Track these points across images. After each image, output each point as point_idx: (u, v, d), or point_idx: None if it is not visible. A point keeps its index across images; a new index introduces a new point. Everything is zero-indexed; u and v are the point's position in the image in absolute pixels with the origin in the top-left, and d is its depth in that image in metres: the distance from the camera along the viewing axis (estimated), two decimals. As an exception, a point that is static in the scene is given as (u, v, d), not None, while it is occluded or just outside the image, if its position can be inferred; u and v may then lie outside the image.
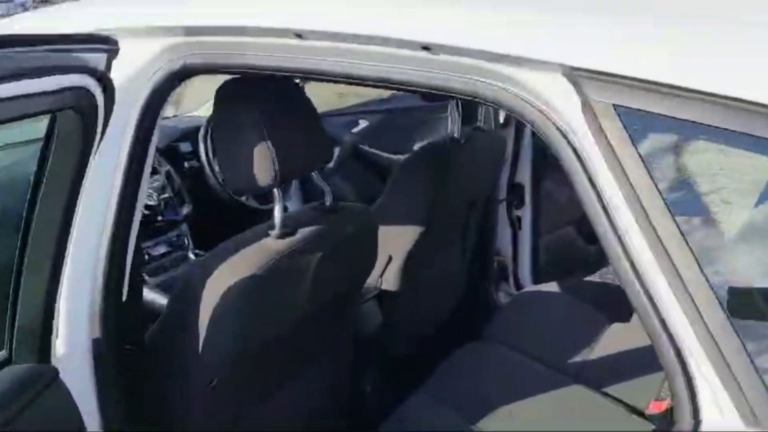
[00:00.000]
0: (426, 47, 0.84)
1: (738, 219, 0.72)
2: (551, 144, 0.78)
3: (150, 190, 2.17)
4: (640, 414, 1.64)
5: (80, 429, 1.02)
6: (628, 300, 2.05)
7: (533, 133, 2.40)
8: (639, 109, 0.69)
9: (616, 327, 1.99)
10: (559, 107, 0.76)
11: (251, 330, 1.29)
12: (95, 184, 1.01)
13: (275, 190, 1.29)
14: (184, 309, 1.22)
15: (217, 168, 2.31)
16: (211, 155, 2.33)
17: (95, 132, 0.93)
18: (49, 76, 0.81)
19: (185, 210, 2.26)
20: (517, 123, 2.38)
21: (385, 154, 3.17)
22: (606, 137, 0.70)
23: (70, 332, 1.04)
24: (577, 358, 1.86)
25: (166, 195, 2.22)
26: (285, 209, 1.32)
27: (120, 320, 1.15)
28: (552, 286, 2.18)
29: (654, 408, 1.67)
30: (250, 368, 1.34)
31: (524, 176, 2.46)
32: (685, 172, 0.71)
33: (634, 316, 2.05)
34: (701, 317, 0.66)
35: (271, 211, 2.59)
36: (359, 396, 1.88)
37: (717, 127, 0.64)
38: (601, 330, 1.97)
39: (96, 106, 0.91)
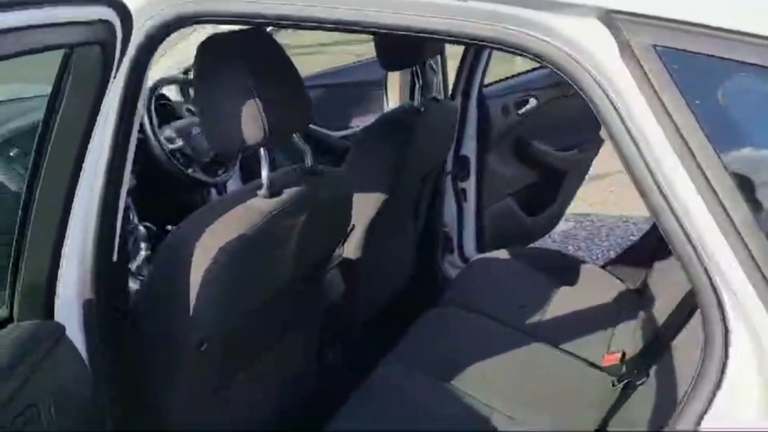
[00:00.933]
0: (461, -6, 0.85)
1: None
2: (584, 91, 0.81)
3: None
4: (597, 366, 1.75)
5: (89, 385, 0.96)
6: (568, 267, 2.13)
7: (479, 105, 2.48)
8: (679, 49, 0.73)
9: (564, 290, 2.10)
10: (595, 52, 0.79)
11: (241, 292, 1.25)
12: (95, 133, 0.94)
13: (261, 150, 1.26)
14: (172, 272, 1.17)
15: (162, 138, 2.20)
16: (156, 125, 2.22)
17: (111, 71, 0.87)
18: (80, 5, 0.74)
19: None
20: (462, 95, 2.44)
21: (322, 130, 3.15)
22: (648, 79, 0.74)
23: (65, 291, 0.97)
24: (533, 319, 1.94)
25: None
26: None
27: (110, 282, 1.08)
28: (502, 254, 2.26)
29: (608, 360, 1.79)
30: (238, 333, 1.30)
31: (469, 148, 2.52)
32: (727, 111, 0.76)
33: (579, 280, 2.19)
34: (741, 238, 0.70)
35: (216, 184, 2.50)
36: (323, 365, 1.88)
37: (756, 65, 0.69)
38: (550, 293, 2.07)
39: (115, 43, 0.85)
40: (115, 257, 1.09)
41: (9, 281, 0.88)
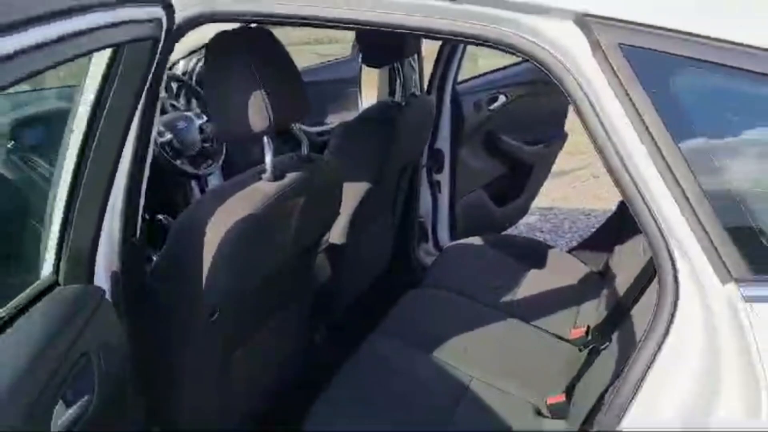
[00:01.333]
0: (450, -4, 0.98)
1: (728, 135, 0.92)
2: (561, 82, 0.96)
3: None
4: (564, 339, 1.92)
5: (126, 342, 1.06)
6: (536, 252, 2.32)
7: (452, 101, 2.62)
8: (640, 47, 0.88)
9: (533, 272, 2.26)
10: (570, 49, 0.94)
11: (248, 267, 1.36)
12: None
13: (265, 137, 1.37)
14: (187, 248, 1.27)
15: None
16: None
17: (154, 63, 0.97)
18: (140, 6, 0.85)
19: None
20: (438, 91, 2.58)
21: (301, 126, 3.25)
22: (614, 72, 0.89)
23: (100, 263, 1.07)
24: (506, 298, 2.10)
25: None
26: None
27: (132, 258, 1.19)
28: (475, 240, 2.41)
29: (575, 333, 1.96)
30: (244, 305, 1.41)
31: (443, 142, 2.66)
32: (681, 105, 0.91)
33: (547, 264, 2.35)
34: (692, 209, 0.85)
35: (200, 177, 2.58)
36: (311, 345, 1.99)
37: (701, 60, 0.85)
38: (521, 275, 2.23)
39: (160, 38, 0.95)
40: (137, 235, 1.20)
41: (56, 251, 0.98)
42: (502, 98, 2.78)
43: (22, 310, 0.90)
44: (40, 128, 1.76)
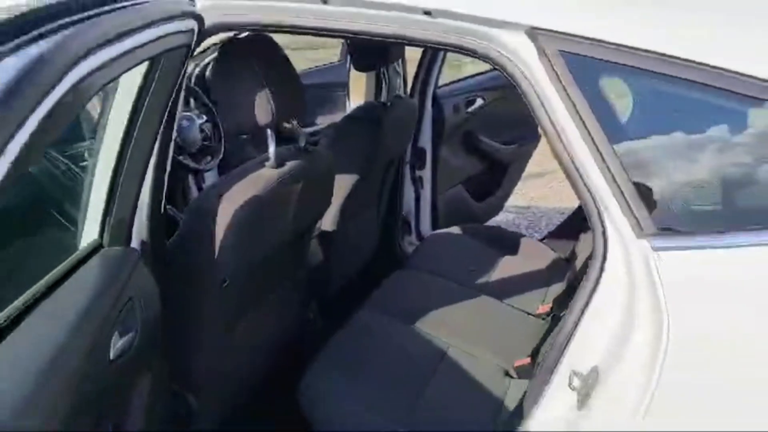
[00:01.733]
0: (427, 12, 1.21)
1: (644, 123, 1.15)
2: (516, 83, 1.18)
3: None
4: (533, 314, 2.15)
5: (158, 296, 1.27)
6: (510, 241, 2.59)
7: (433, 104, 2.86)
8: (578, 54, 1.11)
9: (507, 258, 2.49)
10: (523, 55, 1.16)
11: (254, 242, 1.58)
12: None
13: (268, 130, 1.59)
14: (202, 224, 1.48)
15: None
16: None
17: (185, 66, 1.18)
18: (181, 20, 1.06)
19: None
20: (420, 94, 2.81)
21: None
22: (556, 73, 1.11)
23: (135, 231, 1.28)
24: (481, 280, 2.32)
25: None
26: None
27: (157, 229, 1.40)
28: (454, 230, 2.63)
29: (542, 309, 2.19)
30: (249, 278, 1.62)
31: (425, 141, 2.89)
32: (606, 99, 1.13)
33: (519, 251, 2.57)
34: (615, 182, 1.08)
35: (198, 171, 2.77)
36: (305, 321, 2.21)
37: (623, 64, 1.07)
38: (495, 260, 2.45)
39: (192, 45, 1.16)
40: (162, 210, 1.41)
41: (101, 221, 1.18)
42: (479, 101, 3.02)
43: (76, 266, 1.11)
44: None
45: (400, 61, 2.60)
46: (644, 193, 1.06)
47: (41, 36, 0.76)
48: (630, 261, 1.08)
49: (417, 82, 2.79)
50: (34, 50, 0.75)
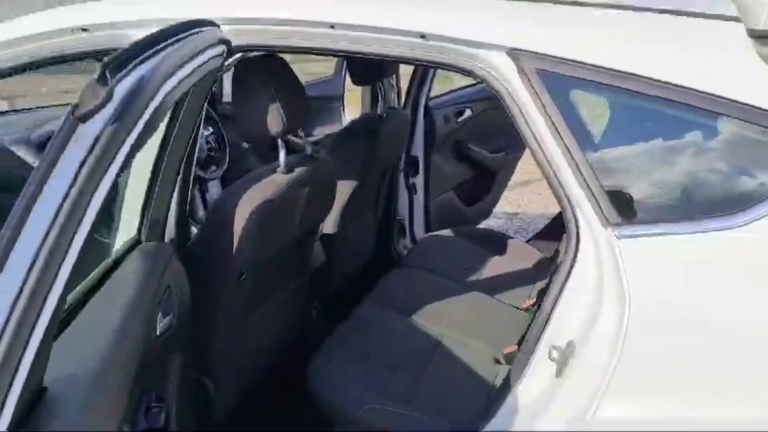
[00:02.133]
0: (422, 35, 1.39)
1: (610, 129, 1.34)
2: (500, 97, 1.36)
3: None
4: (519, 308, 2.33)
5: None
6: (498, 241, 2.80)
7: (425, 115, 3.04)
8: (552, 72, 1.29)
9: (496, 257, 2.67)
10: (505, 73, 1.35)
11: (266, 240, 1.75)
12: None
13: (279, 139, 1.77)
14: (221, 222, 1.66)
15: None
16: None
17: (214, 83, 1.36)
18: (218, 46, 1.24)
19: None
20: (412, 106, 3.00)
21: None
22: (534, 88, 1.30)
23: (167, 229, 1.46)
24: (473, 277, 2.50)
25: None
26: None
27: (182, 227, 1.57)
28: (446, 232, 2.81)
29: (528, 303, 2.36)
30: (262, 273, 1.80)
31: (418, 150, 3.07)
32: (577, 110, 1.31)
33: (507, 251, 2.75)
34: (585, 181, 1.26)
35: (204, 179, 2.93)
36: (308, 319, 2.38)
37: (590, 80, 1.26)
38: (485, 259, 2.63)
39: (222, 66, 1.34)
40: (186, 212, 1.59)
41: (139, 220, 1.36)
42: (468, 112, 3.21)
43: (120, 258, 1.28)
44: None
45: (394, 76, 2.79)
46: (610, 190, 1.25)
47: (142, 62, 0.95)
48: (598, 248, 1.26)
49: (410, 95, 2.97)
50: (138, 72, 0.94)
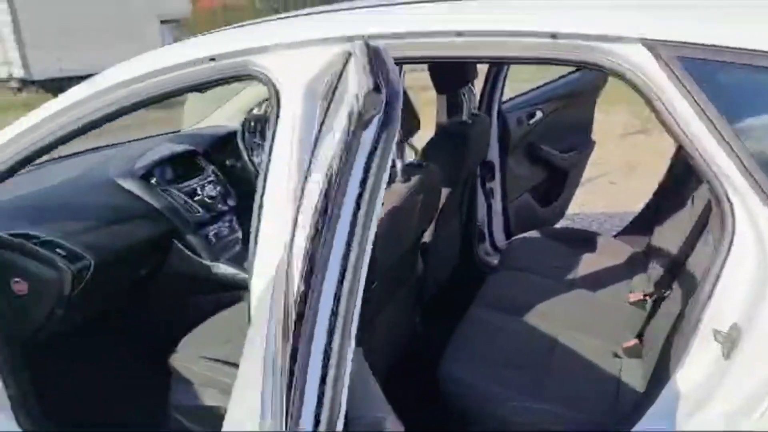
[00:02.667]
0: (553, 35, 1.42)
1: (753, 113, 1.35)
2: (639, 90, 1.37)
3: (205, 183, 2.56)
4: (631, 303, 2.31)
5: None
6: (586, 239, 2.78)
7: (499, 118, 3.06)
8: (693, 58, 1.31)
9: (587, 255, 2.67)
10: (642, 64, 1.36)
11: (391, 248, 1.78)
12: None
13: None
14: None
15: (257, 160, 2.72)
16: (250, 151, 2.75)
17: None
18: None
19: (231, 201, 2.65)
20: (486, 110, 3.02)
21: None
22: (677, 77, 1.31)
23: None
24: (569, 276, 2.50)
25: (218, 189, 2.61)
26: None
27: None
28: (533, 233, 2.83)
29: (633, 297, 2.35)
30: (385, 280, 1.83)
31: (493, 154, 3.09)
32: (723, 94, 1.32)
33: (597, 248, 2.74)
34: (742, 163, 1.27)
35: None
36: (413, 325, 2.40)
37: (732, 63, 1.28)
38: (577, 257, 2.64)
39: None
40: None
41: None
42: (539, 113, 3.22)
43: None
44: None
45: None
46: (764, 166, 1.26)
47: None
48: (758, 228, 1.27)
49: (483, 98, 3.00)
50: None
